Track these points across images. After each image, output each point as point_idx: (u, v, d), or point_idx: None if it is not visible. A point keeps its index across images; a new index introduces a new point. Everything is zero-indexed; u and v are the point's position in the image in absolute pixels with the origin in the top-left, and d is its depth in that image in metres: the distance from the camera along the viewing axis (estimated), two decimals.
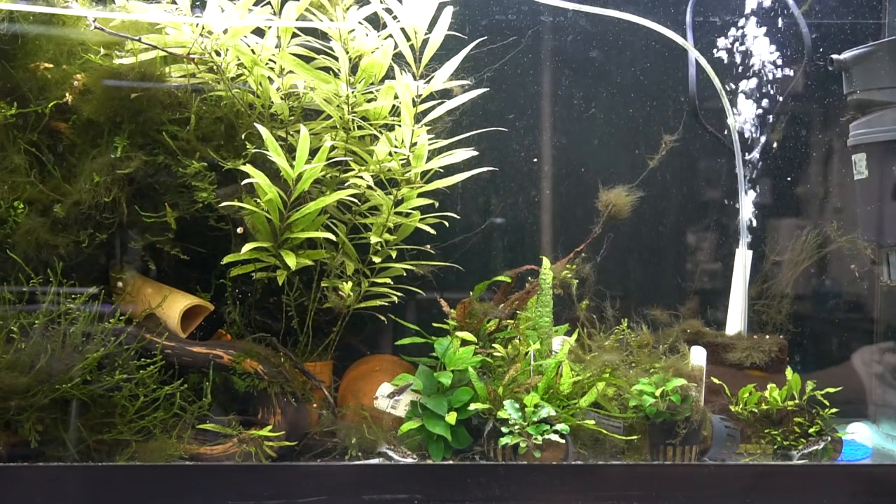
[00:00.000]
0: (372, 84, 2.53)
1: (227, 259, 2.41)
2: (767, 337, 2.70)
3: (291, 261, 2.36)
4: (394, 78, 2.50)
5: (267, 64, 2.47)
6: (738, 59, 2.90)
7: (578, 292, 2.73)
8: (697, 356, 2.45)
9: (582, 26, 2.92)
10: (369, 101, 2.55)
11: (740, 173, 2.82)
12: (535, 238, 2.96)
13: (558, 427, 2.22)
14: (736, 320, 2.76)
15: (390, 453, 2.30)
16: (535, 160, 2.95)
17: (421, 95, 2.50)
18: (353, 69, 2.49)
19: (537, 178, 2.95)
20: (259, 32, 2.48)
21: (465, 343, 2.44)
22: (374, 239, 2.53)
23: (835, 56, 2.56)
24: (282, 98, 2.50)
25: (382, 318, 2.68)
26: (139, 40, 2.36)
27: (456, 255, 2.86)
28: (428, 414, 2.35)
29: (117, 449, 2.25)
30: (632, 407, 2.31)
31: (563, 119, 2.95)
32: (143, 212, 2.40)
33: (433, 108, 2.56)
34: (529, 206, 2.95)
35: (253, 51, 2.45)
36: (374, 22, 2.52)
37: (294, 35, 2.51)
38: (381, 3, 2.47)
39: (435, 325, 2.60)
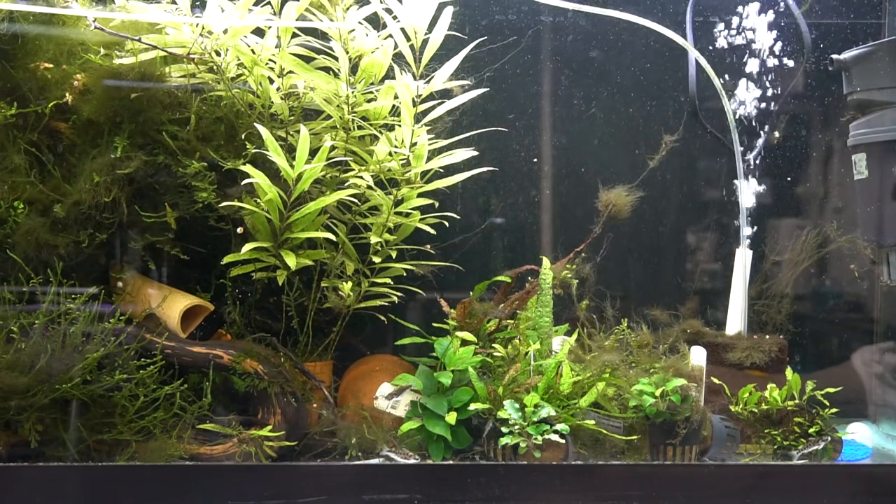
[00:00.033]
0: (372, 84, 2.53)
1: (227, 259, 2.41)
2: (767, 337, 2.70)
3: (291, 261, 2.36)
4: (394, 78, 2.50)
5: (267, 64, 2.47)
6: (737, 58, 2.90)
7: (578, 292, 2.73)
8: (697, 356, 2.45)
9: (582, 26, 2.92)
10: (369, 101, 2.55)
11: (740, 173, 2.82)
12: (535, 238, 2.96)
13: (558, 427, 2.22)
14: (736, 320, 2.76)
15: (393, 456, 2.30)
16: (535, 160, 2.95)
17: (421, 95, 2.50)
18: (353, 69, 2.49)
19: (537, 178, 2.95)
20: (259, 32, 2.48)
21: (465, 343, 2.44)
22: (374, 239, 2.53)
23: (835, 56, 2.56)
24: (282, 98, 2.50)
25: (382, 318, 2.68)
26: (139, 40, 2.36)
27: (456, 255, 2.86)
28: (428, 414, 2.35)
29: (117, 449, 2.25)
30: (632, 407, 2.31)
31: (563, 119, 2.95)
32: (143, 212, 2.40)
33: (433, 108, 2.56)
34: (529, 206, 2.95)
35: (253, 51, 2.45)
36: (374, 22, 2.52)
37: (294, 35, 2.51)
38: (381, 3, 2.47)
39: (435, 325, 2.60)
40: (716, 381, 2.47)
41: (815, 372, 2.91)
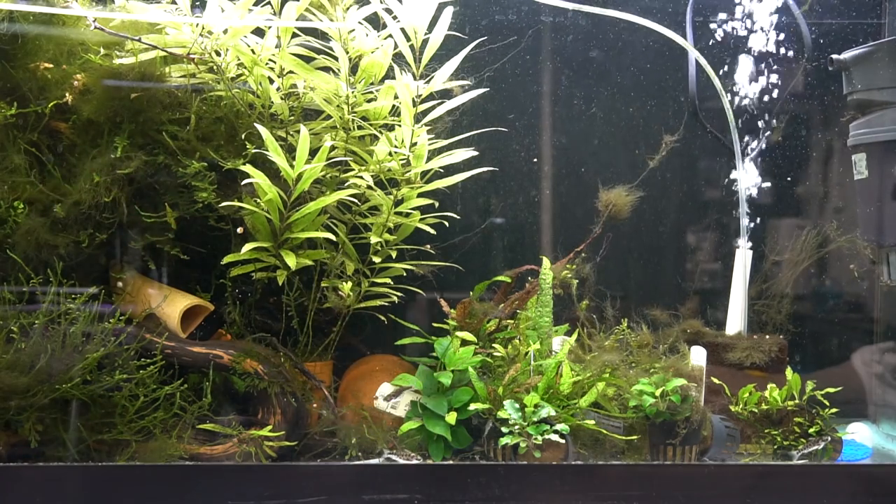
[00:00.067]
0: (372, 84, 2.53)
1: (227, 259, 2.41)
2: (767, 337, 2.70)
3: (291, 261, 2.36)
4: (394, 78, 2.50)
5: (267, 64, 2.47)
6: (737, 58, 2.90)
7: (578, 292, 2.73)
8: (697, 356, 2.45)
9: (582, 26, 2.92)
10: (369, 101, 2.55)
11: (740, 173, 2.82)
12: (535, 238, 2.96)
13: (558, 427, 2.22)
14: (736, 320, 2.76)
15: (395, 458, 2.30)
16: (535, 160, 2.95)
17: (421, 95, 2.50)
18: (353, 69, 2.49)
19: (537, 178, 2.95)
20: (259, 32, 2.48)
21: (465, 343, 2.44)
22: (374, 239, 2.53)
23: (835, 56, 2.56)
24: (282, 98, 2.50)
25: (382, 318, 2.68)
26: (139, 40, 2.36)
27: (456, 255, 2.86)
28: (428, 414, 2.35)
29: (117, 449, 2.25)
30: (632, 407, 2.31)
31: (563, 119, 2.95)
32: (143, 212, 2.40)
33: (433, 108, 2.56)
34: (529, 206, 2.95)
35: (253, 51, 2.45)
36: (374, 22, 2.52)
37: (294, 35, 2.51)
38: (381, 3, 2.47)
39: (435, 325, 2.60)
40: (716, 381, 2.47)
41: (815, 372, 2.91)
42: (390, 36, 2.49)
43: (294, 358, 2.48)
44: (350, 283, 2.48)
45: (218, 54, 2.41)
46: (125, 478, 2.10)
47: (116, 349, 2.23)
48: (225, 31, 2.38)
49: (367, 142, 2.60)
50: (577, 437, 2.33)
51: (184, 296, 2.46)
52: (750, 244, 2.80)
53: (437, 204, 2.68)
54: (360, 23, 2.47)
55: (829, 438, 2.36)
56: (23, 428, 2.18)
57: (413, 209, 2.61)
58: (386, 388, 2.44)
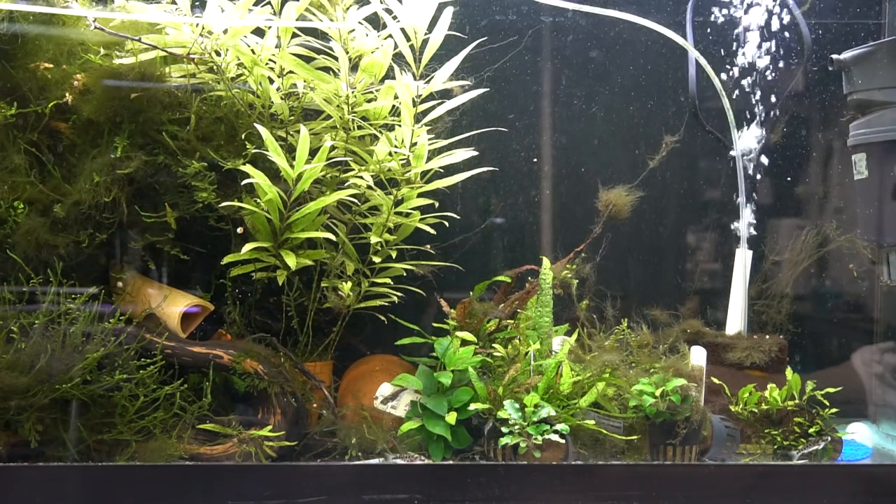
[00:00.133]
0: (372, 84, 2.53)
1: (227, 259, 2.41)
2: (767, 337, 2.70)
3: (291, 261, 2.36)
4: (394, 78, 2.50)
5: (267, 64, 2.47)
6: (737, 58, 2.90)
7: (578, 292, 2.73)
8: (697, 356, 2.45)
9: (582, 26, 2.92)
10: (369, 101, 2.55)
11: (740, 173, 2.82)
12: (535, 238, 2.96)
13: (558, 427, 2.22)
14: (736, 320, 2.76)
15: (396, 460, 2.30)
16: (535, 160, 2.95)
17: (421, 95, 2.50)
18: (353, 69, 2.49)
19: (537, 178, 2.95)
20: (259, 32, 2.48)
21: (465, 343, 2.44)
22: (374, 239, 2.53)
23: (835, 56, 2.56)
24: (282, 98, 2.50)
25: (382, 318, 2.68)
26: (139, 40, 2.36)
27: (456, 255, 2.86)
28: (428, 414, 2.35)
29: (117, 449, 2.25)
30: (632, 407, 2.31)
31: (563, 119, 2.95)
32: (143, 212, 2.40)
33: (433, 108, 2.56)
34: (529, 206, 2.95)
35: (253, 51, 2.45)
36: (374, 22, 2.52)
37: (294, 35, 2.51)
38: (381, 3, 2.47)
39: (435, 325, 2.60)
40: (716, 381, 2.47)
41: (815, 372, 2.91)
42: (390, 36, 2.49)
43: (294, 358, 2.48)
44: (350, 283, 2.48)
45: (218, 54, 2.41)
46: (125, 478, 2.10)
47: (116, 349, 2.23)
48: (225, 31, 2.38)
49: (367, 142, 2.60)
50: (577, 437, 2.33)
51: (184, 296, 2.47)
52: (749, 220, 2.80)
53: (437, 204, 2.68)
54: (360, 23, 2.47)
55: (829, 438, 2.36)
56: (23, 428, 2.18)
57: (413, 209, 2.61)
58: (386, 389, 2.44)
